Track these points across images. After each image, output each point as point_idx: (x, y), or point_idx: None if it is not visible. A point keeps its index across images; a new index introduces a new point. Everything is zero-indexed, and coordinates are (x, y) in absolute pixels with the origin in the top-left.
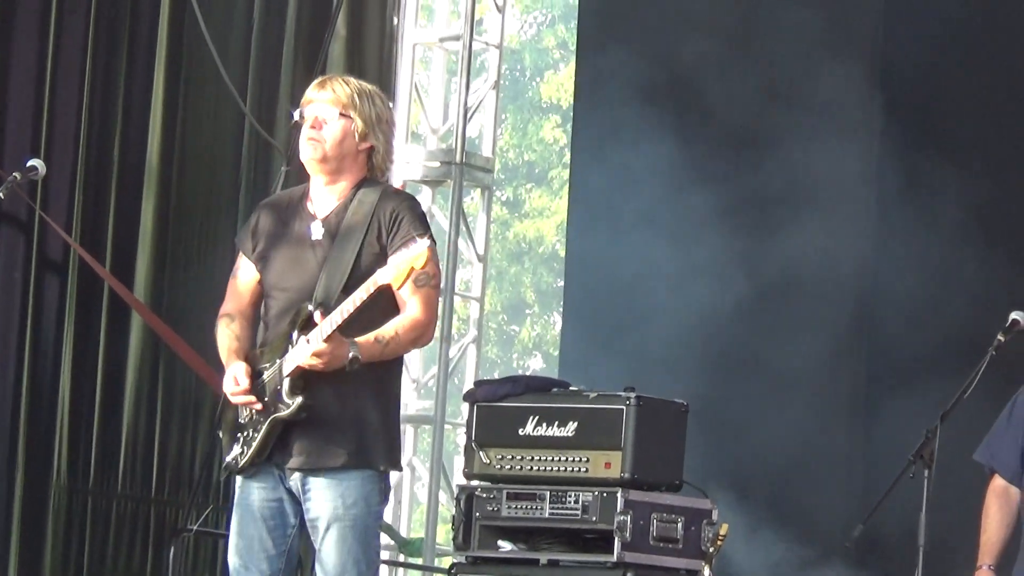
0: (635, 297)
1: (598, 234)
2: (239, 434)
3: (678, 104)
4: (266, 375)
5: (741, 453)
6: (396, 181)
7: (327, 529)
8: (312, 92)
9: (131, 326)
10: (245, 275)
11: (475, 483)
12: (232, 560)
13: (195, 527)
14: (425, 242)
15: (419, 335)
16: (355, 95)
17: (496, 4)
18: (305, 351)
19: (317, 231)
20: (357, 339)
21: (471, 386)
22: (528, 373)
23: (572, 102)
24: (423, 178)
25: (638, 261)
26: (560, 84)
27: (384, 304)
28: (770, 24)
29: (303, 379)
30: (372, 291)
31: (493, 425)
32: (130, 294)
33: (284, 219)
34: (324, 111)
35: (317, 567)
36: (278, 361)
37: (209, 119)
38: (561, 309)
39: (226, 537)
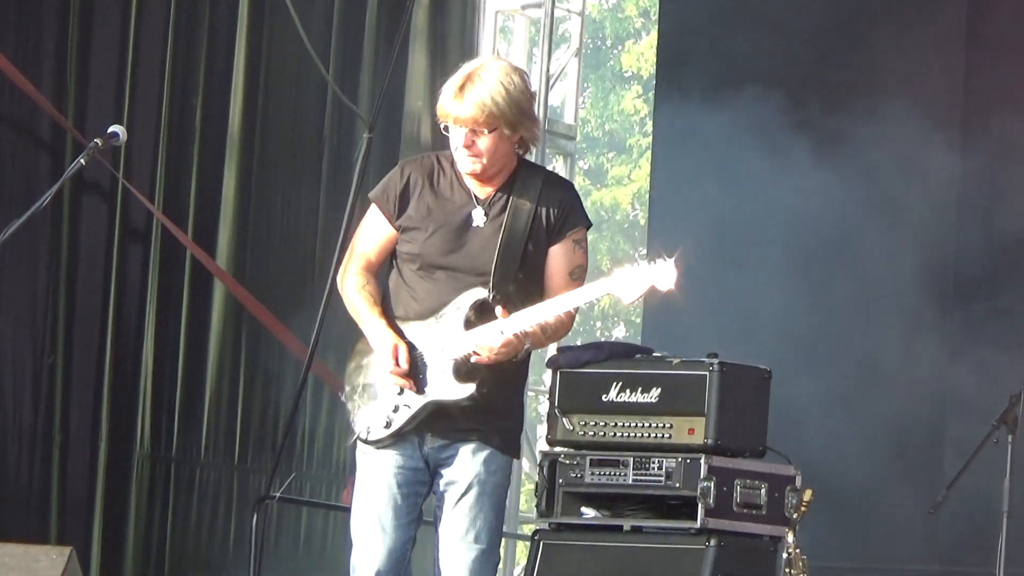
0: (719, 265)
1: (680, 200)
2: (369, 404)
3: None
4: (424, 353)
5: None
6: None
7: (466, 491)
8: (452, 106)
9: (214, 294)
10: (382, 235)
11: (558, 450)
12: (363, 529)
13: (278, 494)
14: (674, 269)
15: (569, 327)
16: (494, 105)
17: None
18: (488, 341)
19: (480, 215)
20: (527, 330)
21: (554, 353)
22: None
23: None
24: None
25: (721, 227)
26: (640, 54)
27: (539, 282)
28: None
29: (467, 363)
30: (591, 300)
31: (576, 391)
32: (212, 261)
33: (438, 190)
34: (471, 127)
35: (442, 530)
36: (436, 340)
37: (291, 86)
38: None
39: (307, 503)
